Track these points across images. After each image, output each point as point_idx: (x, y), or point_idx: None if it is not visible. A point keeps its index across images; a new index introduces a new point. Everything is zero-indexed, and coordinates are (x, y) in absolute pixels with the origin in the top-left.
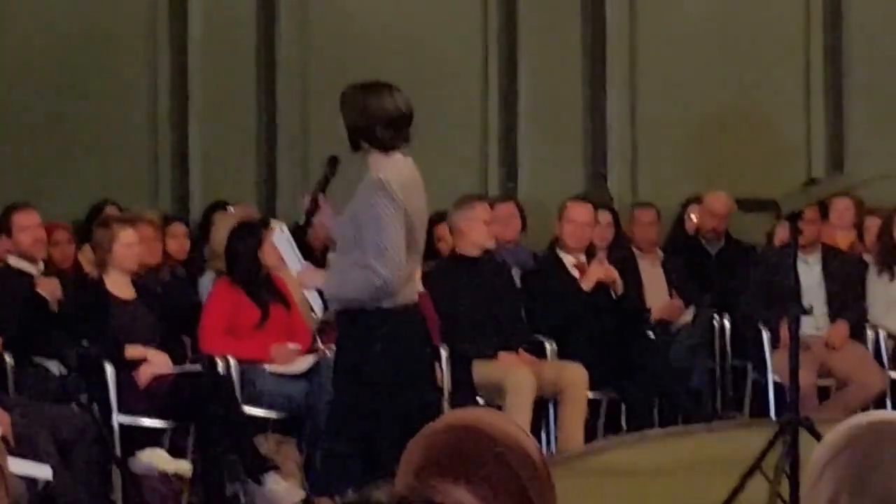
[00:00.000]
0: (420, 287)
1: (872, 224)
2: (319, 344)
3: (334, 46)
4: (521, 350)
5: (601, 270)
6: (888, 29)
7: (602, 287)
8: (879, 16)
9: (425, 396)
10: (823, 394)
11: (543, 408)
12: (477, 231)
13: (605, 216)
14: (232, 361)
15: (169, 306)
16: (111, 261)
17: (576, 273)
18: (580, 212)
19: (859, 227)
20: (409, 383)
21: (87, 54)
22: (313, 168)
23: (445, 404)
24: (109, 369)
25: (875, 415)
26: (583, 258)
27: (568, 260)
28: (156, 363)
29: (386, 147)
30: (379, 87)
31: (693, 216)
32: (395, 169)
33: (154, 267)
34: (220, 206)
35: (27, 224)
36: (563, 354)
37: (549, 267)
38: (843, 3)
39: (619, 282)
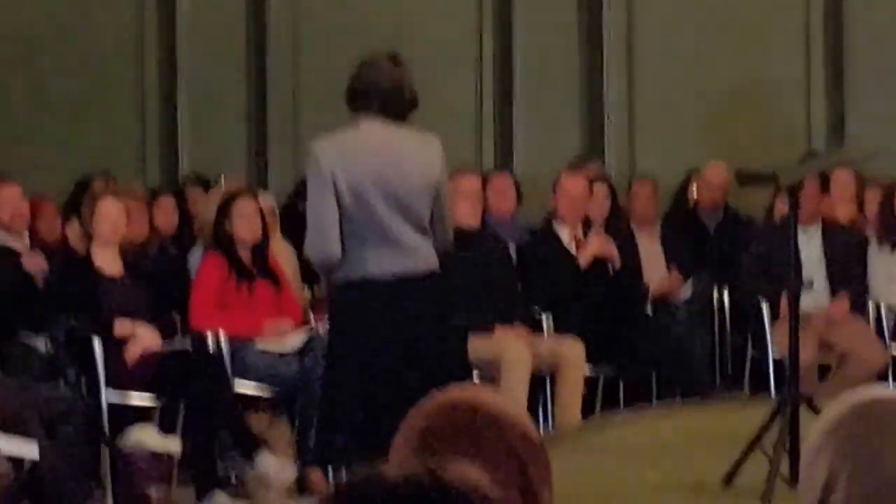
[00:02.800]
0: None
1: (873, 197)
2: (312, 320)
3: (326, 19)
4: (517, 325)
5: (598, 245)
6: (889, 2)
7: (599, 261)
8: None
9: (403, 374)
10: (824, 369)
11: (540, 384)
12: (458, 206)
13: (601, 189)
14: (222, 337)
15: (158, 281)
16: (94, 233)
17: (572, 247)
18: (574, 184)
19: (860, 200)
20: (374, 360)
21: (74, 26)
22: (304, 139)
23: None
24: (97, 346)
25: (875, 391)
26: (580, 232)
27: (564, 234)
28: (145, 339)
29: (353, 111)
30: (366, 59)
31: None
32: (343, 135)
33: (142, 241)
34: (196, 177)
35: (7, 198)
36: (559, 329)
37: (545, 241)
38: None
39: (617, 256)
